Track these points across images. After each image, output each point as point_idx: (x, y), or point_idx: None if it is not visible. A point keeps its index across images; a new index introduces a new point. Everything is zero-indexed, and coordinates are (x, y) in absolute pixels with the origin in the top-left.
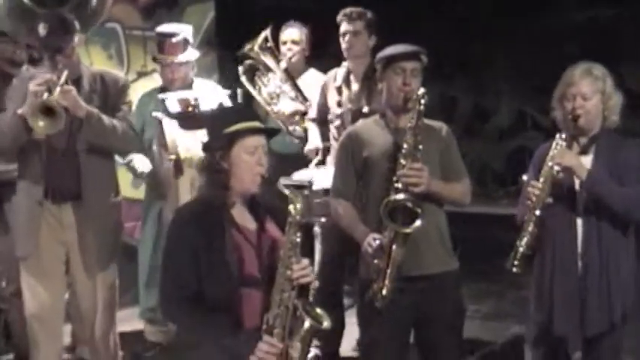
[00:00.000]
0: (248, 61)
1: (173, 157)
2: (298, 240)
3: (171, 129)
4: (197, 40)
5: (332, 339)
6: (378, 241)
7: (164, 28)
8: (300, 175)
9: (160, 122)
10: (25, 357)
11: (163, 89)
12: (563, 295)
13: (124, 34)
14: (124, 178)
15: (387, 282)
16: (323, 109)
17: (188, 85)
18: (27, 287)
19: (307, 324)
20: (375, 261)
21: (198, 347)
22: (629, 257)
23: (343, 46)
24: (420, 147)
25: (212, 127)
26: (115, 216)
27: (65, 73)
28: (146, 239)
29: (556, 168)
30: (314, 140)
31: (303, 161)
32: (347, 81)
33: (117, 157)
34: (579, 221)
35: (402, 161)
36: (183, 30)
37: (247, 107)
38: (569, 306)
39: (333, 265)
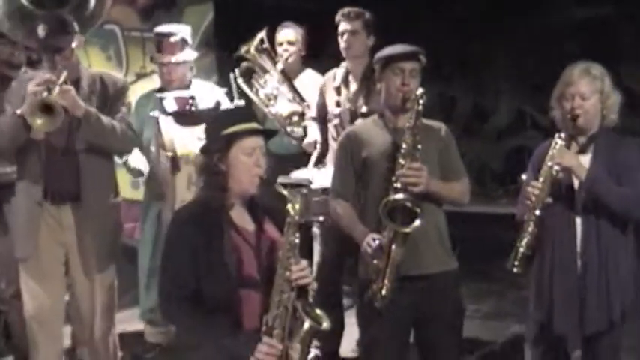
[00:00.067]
0: (245, 63)
1: (170, 154)
2: (297, 241)
3: (168, 127)
4: (196, 41)
5: (332, 339)
6: (377, 241)
7: (162, 28)
8: (298, 175)
9: (157, 120)
10: (24, 358)
11: (161, 90)
12: (562, 293)
13: (122, 36)
14: (124, 180)
15: (386, 282)
16: (322, 109)
17: (186, 86)
18: (26, 288)
19: (307, 325)
20: (375, 261)
21: (198, 348)
22: (627, 256)
23: (342, 45)
24: (419, 147)
25: (210, 129)
26: (114, 217)
27: (64, 74)
28: (145, 240)
29: (555, 168)
30: (313, 135)
31: (301, 162)
32: (346, 81)
33: (115, 158)
34: (578, 220)
35: (401, 161)
36: (181, 30)
37: (245, 108)
38: (569, 305)
39: (332, 266)
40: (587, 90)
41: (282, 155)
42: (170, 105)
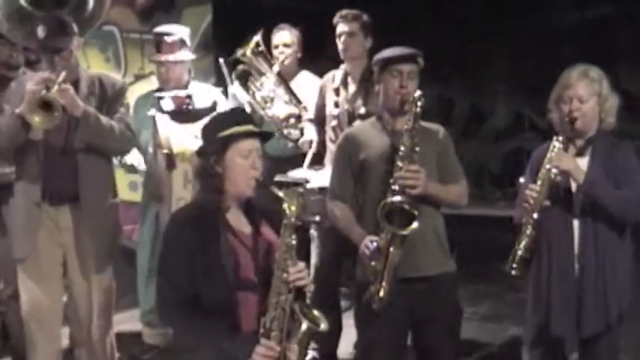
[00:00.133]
0: (241, 66)
1: (166, 151)
2: (294, 242)
3: (165, 124)
4: (194, 43)
5: (329, 341)
6: (375, 243)
7: (161, 28)
8: (295, 174)
9: (154, 119)
10: (22, 359)
11: (159, 90)
12: (560, 296)
13: (121, 37)
14: (122, 181)
15: (384, 284)
16: (321, 110)
17: (183, 87)
18: (24, 289)
19: (304, 326)
20: (372, 263)
21: (196, 350)
22: (625, 258)
23: (339, 47)
24: (417, 149)
25: (206, 131)
26: (112, 217)
27: (63, 73)
28: (144, 241)
29: (554, 171)
30: (309, 135)
31: (297, 164)
32: (344, 82)
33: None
34: (576, 223)
35: (399, 163)
36: (180, 31)
37: (241, 110)
38: (566, 307)
39: (329, 268)
40: (585, 93)
41: (278, 157)
42: (167, 104)
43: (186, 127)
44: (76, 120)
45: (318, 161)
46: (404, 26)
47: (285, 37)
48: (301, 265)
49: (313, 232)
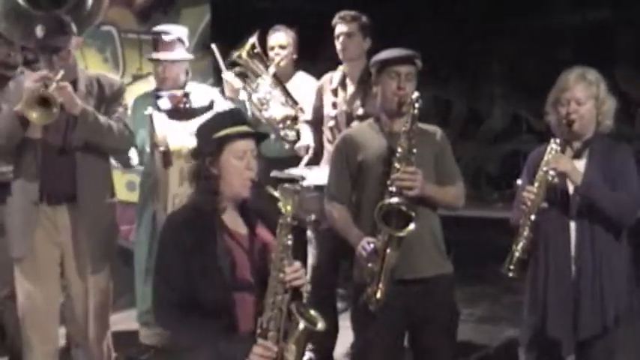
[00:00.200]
0: (237, 68)
1: (162, 148)
2: (290, 242)
3: (161, 122)
4: (192, 43)
5: (326, 343)
6: (372, 245)
7: (160, 27)
8: (292, 170)
9: (151, 117)
10: (18, 359)
11: (157, 91)
12: (556, 298)
13: (119, 37)
14: (119, 182)
15: (381, 285)
16: (318, 111)
17: (180, 87)
18: (21, 289)
19: (301, 326)
20: (369, 264)
21: (193, 350)
22: (621, 261)
23: (338, 47)
24: (415, 151)
25: (200, 132)
26: (110, 217)
27: (61, 72)
28: (141, 242)
29: (551, 173)
30: (306, 139)
31: (293, 165)
32: (343, 83)
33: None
34: (572, 225)
35: (397, 165)
36: (178, 30)
37: (235, 111)
38: (563, 309)
39: (326, 269)
40: (583, 95)
41: (274, 159)
42: (164, 103)
43: (183, 125)
44: (74, 118)
45: (314, 164)
46: (404, 26)
47: (280, 38)
48: (297, 264)
49: (310, 233)
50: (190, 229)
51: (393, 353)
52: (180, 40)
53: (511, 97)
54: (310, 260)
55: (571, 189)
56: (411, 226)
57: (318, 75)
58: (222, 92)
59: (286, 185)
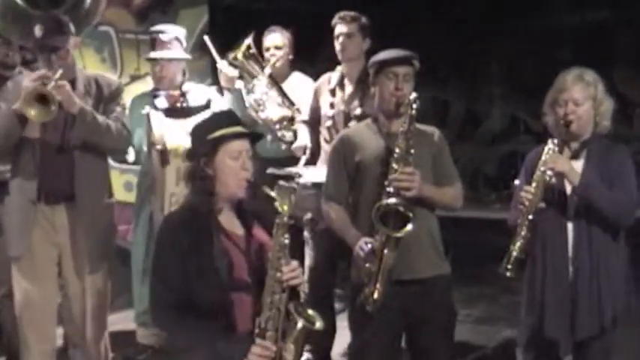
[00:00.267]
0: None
1: (159, 147)
2: (287, 242)
3: (159, 121)
4: (190, 43)
5: (323, 343)
6: (369, 245)
7: (157, 26)
8: (289, 168)
9: (148, 116)
10: (16, 359)
11: (154, 90)
12: (554, 298)
13: (117, 38)
14: (117, 182)
15: (378, 286)
16: (315, 112)
17: (177, 88)
18: (18, 288)
19: (300, 325)
20: (367, 265)
21: (191, 350)
22: (619, 261)
23: (337, 48)
24: (412, 151)
25: (195, 133)
26: (108, 217)
27: (60, 71)
28: (138, 242)
29: (549, 173)
30: (303, 139)
31: (291, 166)
32: (341, 84)
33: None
34: (570, 225)
35: (394, 166)
36: (175, 30)
37: (230, 112)
38: (560, 310)
39: (324, 269)
40: (581, 96)
41: (270, 159)
42: (161, 102)
43: (180, 124)
44: (72, 117)
45: (311, 164)
46: (403, 27)
47: (276, 39)
48: (295, 264)
49: (307, 234)
50: (187, 230)
51: (390, 354)
52: (177, 39)
53: (510, 98)
54: (307, 261)
55: (569, 189)
56: (409, 227)
57: (316, 76)
58: (220, 91)
59: (283, 183)
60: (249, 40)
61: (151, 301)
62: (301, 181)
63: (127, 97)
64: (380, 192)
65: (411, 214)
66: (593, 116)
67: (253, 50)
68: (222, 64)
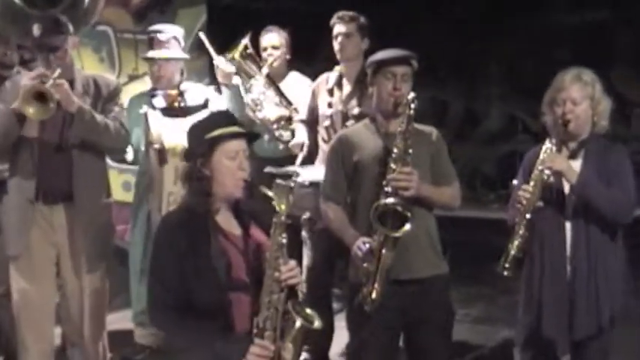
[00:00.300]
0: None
1: (157, 146)
2: (284, 241)
3: (156, 120)
4: (188, 43)
5: (321, 343)
6: (367, 245)
7: (155, 26)
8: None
9: (146, 115)
10: (13, 358)
11: (152, 90)
12: (551, 298)
13: (115, 37)
14: (115, 182)
15: (376, 286)
16: (312, 111)
17: (175, 87)
18: (16, 288)
19: (298, 324)
20: (365, 265)
21: (189, 351)
22: (617, 261)
23: (335, 47)
24: (410, 151)
25: (192, 134)
26: (106, 217)
27: (58, 70)
28: (136, 242)
29: (546, 172)
30: (300, 136)
31: (287, 165)
32: (339, 83)
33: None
34: (568, 225)
35: (392, 165)
36: (173, 29)
37: (227, 112)
38: (558, 309)
39: (322, 269)
40: (579, 96)
41: (267, 158)
42: (159, 102)
43: (178, 123)
44: (70, 116)
45: (309, 163)
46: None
47: (273, 39)
48: (292, 263)
49: (304, 234)
50: (184, 231)
51: (388, 353)
52: (175, 39)
53: (509, 98)
54: (305, 261)
55: (567, 189)
56: (407, 227)
57: (314, 76)
58: (218, 90)
59: (280, 182)
60: (246, 40)
61: (149, 301)
62: (299, 180)
63: (125, 96)
64: (378, 192)
65: (409, 214)
66: (591, 116)
67: (250, 50)
68: (218, 60)
